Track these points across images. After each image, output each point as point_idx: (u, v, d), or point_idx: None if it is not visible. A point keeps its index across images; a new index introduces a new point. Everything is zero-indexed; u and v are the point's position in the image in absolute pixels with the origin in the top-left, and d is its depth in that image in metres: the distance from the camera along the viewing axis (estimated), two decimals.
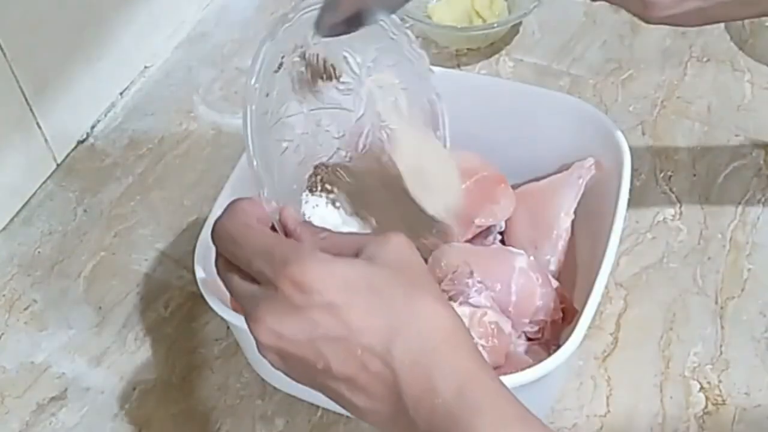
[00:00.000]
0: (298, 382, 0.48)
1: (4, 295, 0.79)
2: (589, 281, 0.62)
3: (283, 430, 0.70)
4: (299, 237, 0.49)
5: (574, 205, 0.72)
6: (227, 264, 0.49)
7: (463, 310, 0.64)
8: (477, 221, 0.72)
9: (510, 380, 0.54)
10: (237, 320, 0.62)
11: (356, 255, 0.47)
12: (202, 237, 0.66)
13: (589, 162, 0.72)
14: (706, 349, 0.72)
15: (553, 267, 0.71)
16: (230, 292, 0.50)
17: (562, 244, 0.72)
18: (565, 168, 0.74)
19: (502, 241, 0.74)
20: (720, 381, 0.70)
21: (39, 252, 0.82)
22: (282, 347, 0.45)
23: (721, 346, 0.72)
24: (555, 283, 0.68)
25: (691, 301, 0.75)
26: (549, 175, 0.75)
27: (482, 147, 0.75)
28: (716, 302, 0.75)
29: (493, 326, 0.64)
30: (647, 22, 0.63)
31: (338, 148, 0.64)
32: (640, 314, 0.75)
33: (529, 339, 0.68)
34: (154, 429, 0.70)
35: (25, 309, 0.78)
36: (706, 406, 0.69)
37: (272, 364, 0.47)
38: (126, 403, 0.72)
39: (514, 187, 0.75)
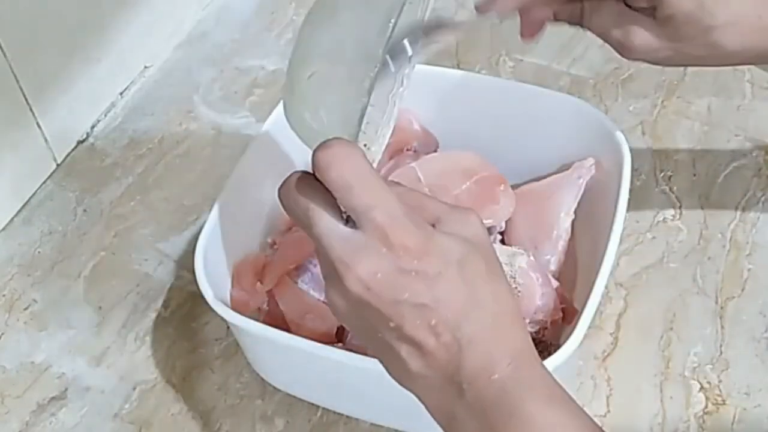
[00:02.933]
0: (354, 332, 0.48)
1: (4, 295, 0.79)
2: (589, 281, 0.62)
3: (283, 430, 0.70)
4: None
5: (574, 205, 0.72)
6: (316, 195, 0.47)
7: None
8: None
9: None
10: (237, 320, 0.62)
11: (435, 223, 0.48)
12: (202, 237, 0.66)
13: (589, 162, 0.72)
14: (706, 349, 0.72)
15: (553, 267, 0.71)
16: (315, 227, 0.47)
17: (562, 244, 0.72)
18: (565, 168, 0.74)
19: (502, 241, 0.74)
20: (720, 381, 0.70)
21: (39, 252, 0.82)
22: (364, 298, 0.46)
23: (721, 346, 0.72)
24: (555, 283, 0.68)
25: (691, 301, 0.75)
26: (549, 175, 0.75)
27: (482, 147, 0.75)
28: (716, 302, 0.75)
29: None
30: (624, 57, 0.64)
31: None
32: (640, 314, 0.74)
33: None
34: (154, 429, 0.70)
35: (25, 309, 0.78)
36: (706, 406, 0.69)
37: (334, 312, 0.48)
38: (126, 403, 0.72)
39: (514, 187, 0.75)
